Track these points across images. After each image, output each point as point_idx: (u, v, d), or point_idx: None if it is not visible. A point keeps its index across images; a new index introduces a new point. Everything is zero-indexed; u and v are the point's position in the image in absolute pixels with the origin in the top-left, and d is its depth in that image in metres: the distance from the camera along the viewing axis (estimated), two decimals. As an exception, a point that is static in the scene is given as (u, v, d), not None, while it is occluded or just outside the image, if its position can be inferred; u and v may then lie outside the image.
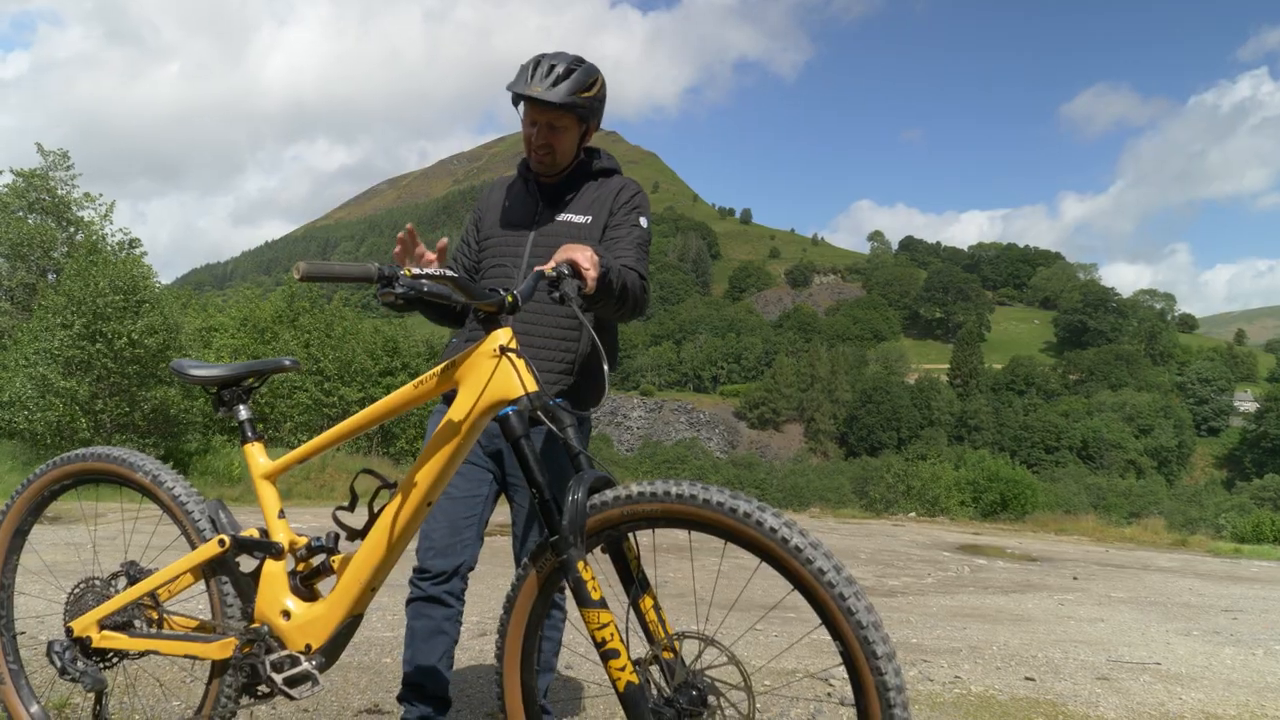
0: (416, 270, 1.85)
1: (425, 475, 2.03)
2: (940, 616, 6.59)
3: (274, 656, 2.12)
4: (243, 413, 2.39)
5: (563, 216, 2.72)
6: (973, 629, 6.03)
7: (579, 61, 2.58)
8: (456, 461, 2.05)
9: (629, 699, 1.78)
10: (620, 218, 2.74)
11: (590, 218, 2.72)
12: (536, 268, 2.50)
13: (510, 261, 2.70)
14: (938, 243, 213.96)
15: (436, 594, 2.65)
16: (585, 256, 2.13)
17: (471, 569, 2.72)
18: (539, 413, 1.92)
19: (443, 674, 2.71)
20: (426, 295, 1.85)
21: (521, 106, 2.63)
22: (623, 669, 1.79)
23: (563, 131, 2.64)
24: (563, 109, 2.56)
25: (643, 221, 2.76)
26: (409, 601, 2.70)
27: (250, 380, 2.42)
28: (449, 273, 1.89)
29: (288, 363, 2.44)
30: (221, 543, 2.24)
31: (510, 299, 1.98)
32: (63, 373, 17.99)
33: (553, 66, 2.54)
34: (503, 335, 1.98)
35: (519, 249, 2.71)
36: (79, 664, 2.36)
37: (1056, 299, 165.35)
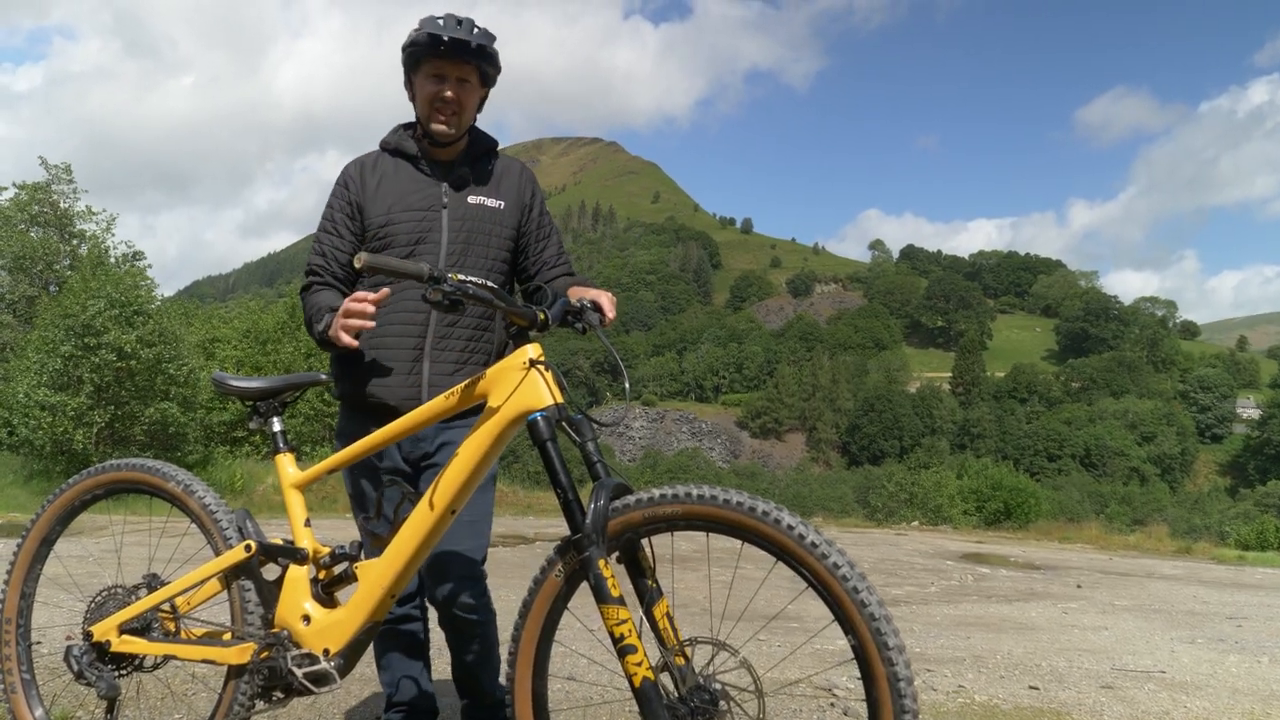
0: (462, 277, 1.97)
1: (449, 485, 2.07)
2: (944, 625, 6.60)
3: (294, 654, 2.17)
4: (276, 424, 2.46)
5: (475, 199, 2.65)
6: (976, 638, 6.04)
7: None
8: (482, 471, 2.09)
9: (644, 695, 1.82)
10: (539, 215, 2.77)
11: (502, 203, 2.69)
12: (457, 260, 2.56)
13: (425, 247, 2.57)
14: (938, 251, 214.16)
15: (402, 612, 2.68)
16: (608, 300, 2.30)
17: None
18: (563, 424, 1.98)
19: (426, 686, 2.74)
20: (470, 298, 1.96)
21: (420, 65, 2.53)
22: (639, 664, 1.83)
23: (471, 89, 2.56)
24: (478, 58, 2.50)
25: (549, 211, 2.83)
26: None
27: (287, 394, 2.48)
28: (490, 284, 2.01)
29: (324, 376, 2.52)
30: (249, 548, 2.29)
31: (542, 316, 2.06)
32: (55, 386, 18.03)
33: (460, 20, 2.48)
34: (532, 350, 2.04)
35: (433, 232, 2.58)
36: (95, 669, 2.39)
37: (1058, 307, 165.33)
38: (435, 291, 1.92)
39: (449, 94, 2.52)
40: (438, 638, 2.73)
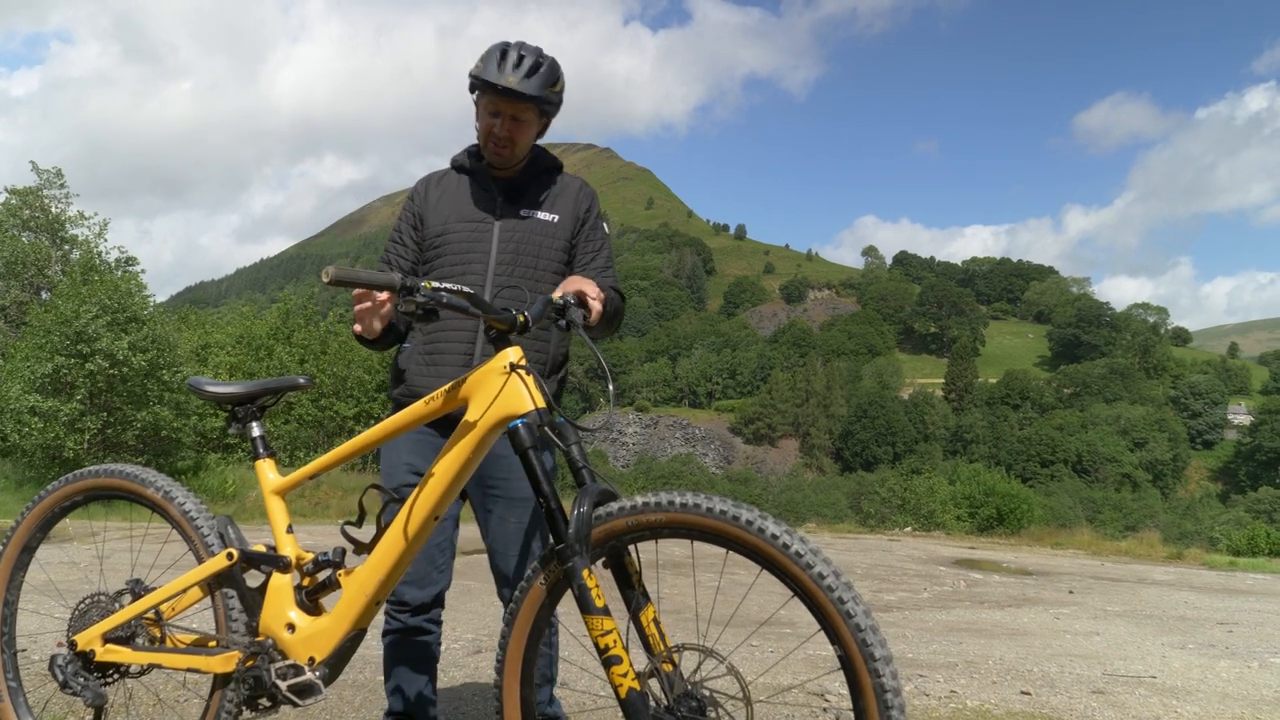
0: (436, 284, 1.93)
1: (432, 490, 2.06)
2: (936, 631, 6.60)
3: (278, 665, 2.15)
4: (255, 429, 2.42)
5: (527, 211, 2.70)
6: (968, 643, 6.04)
7: (544, 55, 2.56)
8: (464, 476, 2.08)
9: (630, 706, 1.81)
10: (590, 229, 2.77)
11: (557, 216, 2.72)
12: (504, 273, 2.56)
13: (475, 257, 2.64)
14: (931, 257, 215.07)
15: (416, 624, 2.67)
16: (592, 289, 2.24)
17: (447, 590, 2.73)
18: (546, 429, 1.97)
19: (429, 698, 2.72)
20: (444, 306, 1.93)
21: (480, 95, 2.59)
22: (625, 675, 1.82)
23: (526, 125, 2.61)
24: (533, 102, 2.53)
25: (605, 228, 2.82)
26: (385, 633, 2.69)
27: (265, 398, 2.45)
28: (466, 289, 1.97)
29: (302, 380, 2.48)
30: (230, 556, 2.26)
31: (522, 319, 2.03)
32: (47, 392, 17.97)
33: (522, 57, 2.51)
34: (513, 353, 2.03)
35: (484, 244, 2.65)
36: (81, 678, 2.37)
37: (1050, 313, 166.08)
38: (408, 302, 1.90)
39: (500, 132, 2.58)
40: (461, 646, 2.72)
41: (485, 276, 2.61)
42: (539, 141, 2.77)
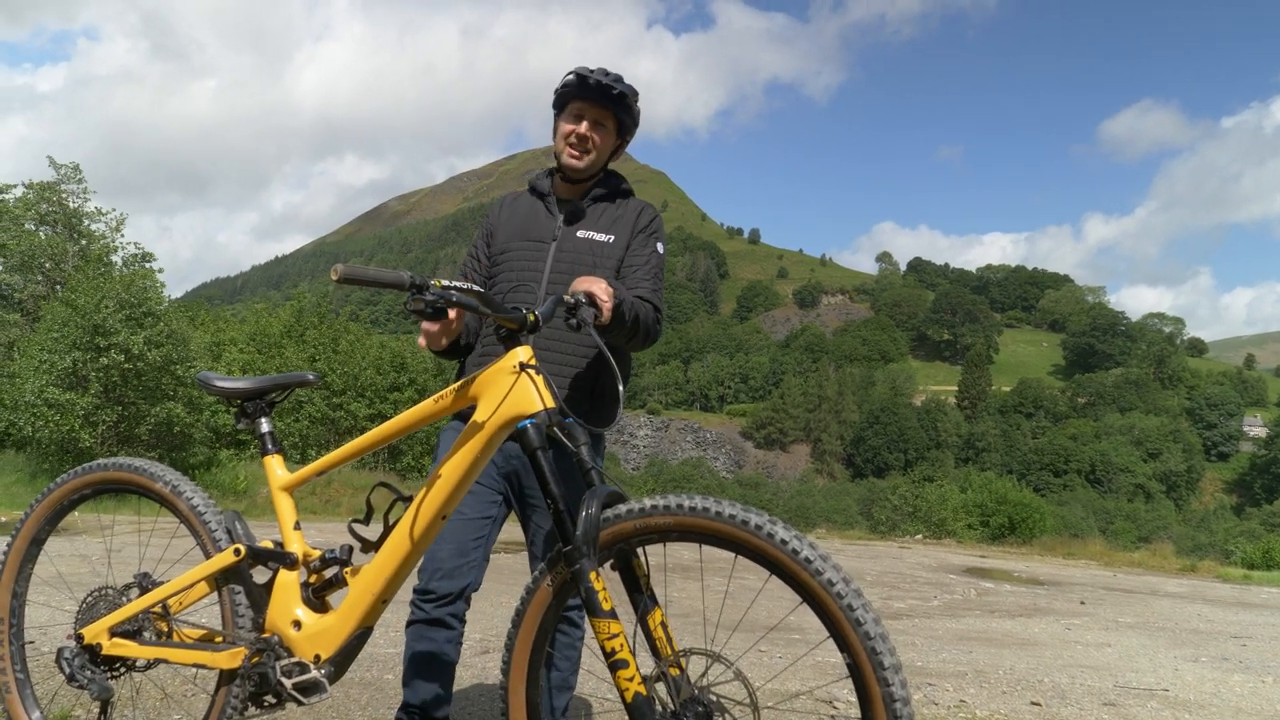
0: (446, 282, 1.93)
1: (440, 489, 2.05)
2: (946, 639, 6.56)
3: (284, 662, 2.14)
4: (264, 425, 2.42)
5: (583, 233, 2.75)
6: (979, 653, 6.00)
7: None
8: (472, 476, 2.07)
9: (636, 710, 1.80)
10: (639, 243, 2.79)
11: (612, 237, 2.76)
12: (557, 293, 2.54)
13: (529, 275, 2.71)
14: (945, 264, 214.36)
15: (440, 616, 2.64)
16: (602, 288, 2.23)
17: (476, 590, 2.71)
18: (554, 429, 1.96)
19: (443, 697, 2.71)
20: (454, 306, 1.93)
21: (566, 105, 2.72)
22: (631, 679, 1.80)
23: (605, 133, 2.72)
24: (617, 104, 2.67)
25: (659, 247, 2.82)
26: (410, 623, 2.69)
27: (274, 394, 2.45)
28: (476, 286, 1.97)
29: (311, 377, 2.49)
30: (237, 552, 2.26)
31: (532, 318, 2.04)
32: (62, 386, 18.08)
33: (608, 72, 2.68)
34: (523, 353, 2.02)
35: (539, 263, 2.72)
36: (87, 671, 2.37)
37: (1065, 322, 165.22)
38: (417, 300, 1.90)
39: (583, 130, 2.70)
40: (468, 646, 2.71)
41: (538, 295, 2.67)
42: (612, 166, 2.87)
